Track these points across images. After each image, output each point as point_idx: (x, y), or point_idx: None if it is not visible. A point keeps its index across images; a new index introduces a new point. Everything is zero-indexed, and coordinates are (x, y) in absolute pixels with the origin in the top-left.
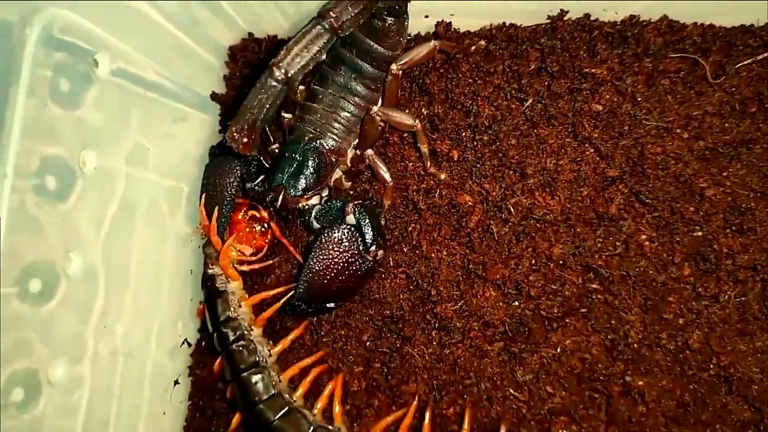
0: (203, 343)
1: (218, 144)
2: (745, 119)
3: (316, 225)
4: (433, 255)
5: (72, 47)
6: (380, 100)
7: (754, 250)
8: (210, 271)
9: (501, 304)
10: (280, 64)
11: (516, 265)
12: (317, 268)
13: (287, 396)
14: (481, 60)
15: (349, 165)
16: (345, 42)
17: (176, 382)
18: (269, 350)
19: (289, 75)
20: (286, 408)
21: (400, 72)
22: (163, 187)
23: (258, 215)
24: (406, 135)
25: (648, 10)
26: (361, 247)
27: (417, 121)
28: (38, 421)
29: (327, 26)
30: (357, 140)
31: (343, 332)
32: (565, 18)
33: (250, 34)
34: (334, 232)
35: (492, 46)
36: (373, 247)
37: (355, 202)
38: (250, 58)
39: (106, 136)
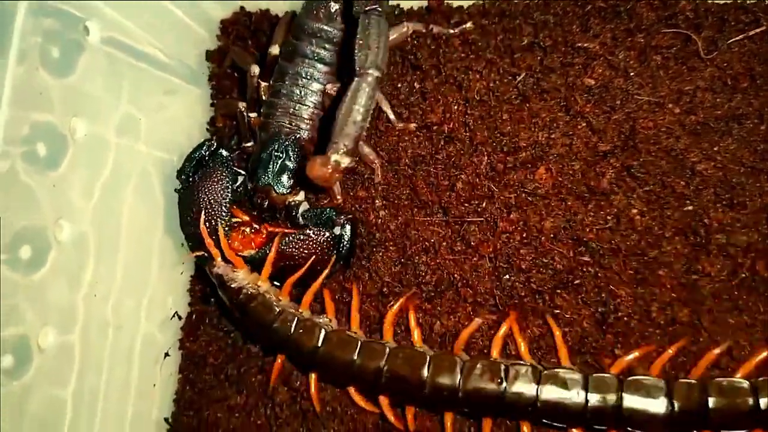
0: (194, 317)
1: (184, 167)
2: (737, 94)
3: (302, 222)
4: (424, 229)
5: (62, 14)
6: None
7: (744, 225)
8: (220, 272)
9: (492, 277)
10: (370, 65)
11: (507, 238)
12: (286, 249)
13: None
14: (474, 35)
15: None
16: (299, 32)
17: (166, 355)
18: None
19: (384, 70)
20: (308, 321)
21: None
22: (154, 158)
23: (241, 220)
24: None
25: None
26: (332, 255)
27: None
28: (28, 388)
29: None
30: None
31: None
32: None
33: (242, 8)
34: (320, 236)
35: (485, 20)
36: (341, 262)
37: (348, 217)
38: (242, 32)
39: (97, 105)
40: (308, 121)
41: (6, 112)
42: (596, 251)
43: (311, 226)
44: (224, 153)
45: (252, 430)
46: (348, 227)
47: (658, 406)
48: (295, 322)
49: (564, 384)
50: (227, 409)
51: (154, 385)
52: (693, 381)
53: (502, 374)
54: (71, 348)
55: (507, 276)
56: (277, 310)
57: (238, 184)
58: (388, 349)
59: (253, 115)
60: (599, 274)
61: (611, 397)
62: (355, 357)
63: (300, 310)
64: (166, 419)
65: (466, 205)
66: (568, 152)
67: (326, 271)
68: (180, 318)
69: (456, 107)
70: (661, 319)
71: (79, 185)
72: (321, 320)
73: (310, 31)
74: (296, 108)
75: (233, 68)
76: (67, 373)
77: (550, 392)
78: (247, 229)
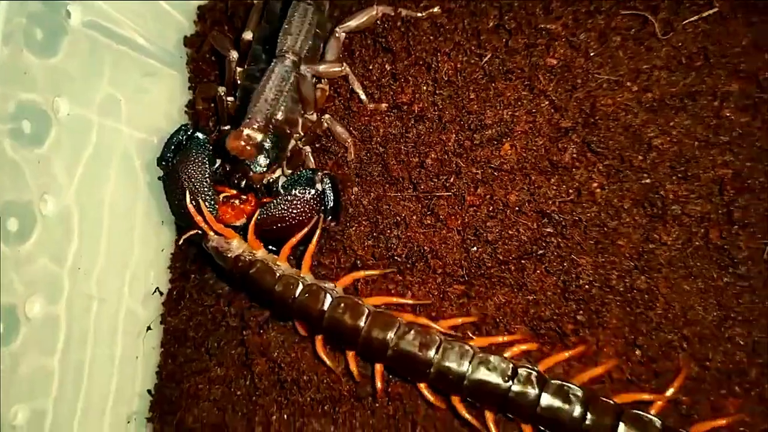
0: (175, 293)
1: (163, 153)
2: (691, 73)
3: (284, 193)
4: (396, 204)
5: None
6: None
7: (698, 196)
8: (215, 245)
9: (460, 248)
10: (288, 49)
11: (475, 212)
12: (275, 212)
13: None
14: (442, 18)
15: (302, 132)
16: (272, 17)
17: (149, 328)
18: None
19: (301, 56)
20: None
21: (343, 34)
22: (135, 139)
23: (229, 194)
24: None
25: None
26: (320, 213)
27: (344, 65)
28: (17, 356)
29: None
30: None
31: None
32: None
33: None
34: (306, 194)
35: (452, 4)
36: (330, 217)
37: (325, 172)
38: (219, 17)
39: (79, 85)
40: (282, 103)
41: None
42: (559, 223)
43: (297, 187)
44: (200, 136)
45: (232, 401)
46: (327, 181)
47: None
48: (299, 287)
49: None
50: (208, 381)
51: (137, 357)
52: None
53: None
54: (57, 319)
55: (475, 248)
56: (278, 274)
57: (216, 166)
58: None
59: (230, 99)
60: (562, 245)
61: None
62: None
63: (302, 275)
64: (149, 391)
65: (435, 180)
66: (531, 129)
67: (318, 232)
68: (161, 293)
69: (425, 88)
70: (620, 286)
71: (63, 162)
72: (327, 284)
73: (282, 15)
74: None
75: (212, 53)
76: (53, 343)
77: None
78: (237, 201)
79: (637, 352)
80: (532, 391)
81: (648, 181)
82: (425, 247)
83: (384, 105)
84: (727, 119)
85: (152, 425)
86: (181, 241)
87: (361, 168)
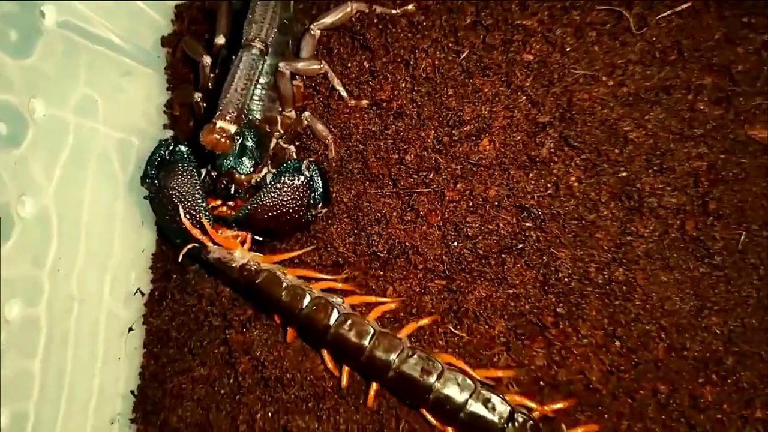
0: (156, 293)
1: (147, 172)
2: (665, 67)
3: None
4: (376, 200)
5: None
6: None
7: (674, 188)
8: (217, 256)
9: (441, 244)
10: (254, 37)
11: (454, 207)
12: (264, 202)
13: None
14: (419, 15)
15: (282, 130)
16: (237, 21)
17: (130, 329)
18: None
19: (267, 43)
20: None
21: (318, 32)
22: (113, 139)
23: (216, 205)
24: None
25: None
26: (310, 201)
27: (323, 62)
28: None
29: None
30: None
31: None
32: None
33: None
34: (295, 181)
35: (429, 1)
36: (320, 204)
37: (310, 160)
38: (196, 16)
39: (55, 86)
40: (258, 102)
41: None
42: (537, 217)
43: (285, 175)
44: (183, 148)
45: (216, 400)
46: (314, 166)
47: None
48: (307, 299)
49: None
50: (191, 381)
51: (119, 358)
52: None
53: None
54: (37, 321)
55: (455, 243)
56: (285, 284)
57: (203, 175)
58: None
59: (205, 104)
60: (541, 239)
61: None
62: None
63: (310, 287)
64: (132, 392)
65: (414, 176)
66: (509, 125)
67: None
68: (143, 294)
69: (404, 84)
70: (599, 278)
71: (41, 163)
72: (335, 299)
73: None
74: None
75: (186, 58)
76: (34, 345)
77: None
78: (224, 209)
79: (617, 343)
80: None
81: (624, 174)
82: (406, 243)
83: (364, 101)
84: (701, 112)
85: (136, 426)
86: (180, 258)
87: (342, 165)
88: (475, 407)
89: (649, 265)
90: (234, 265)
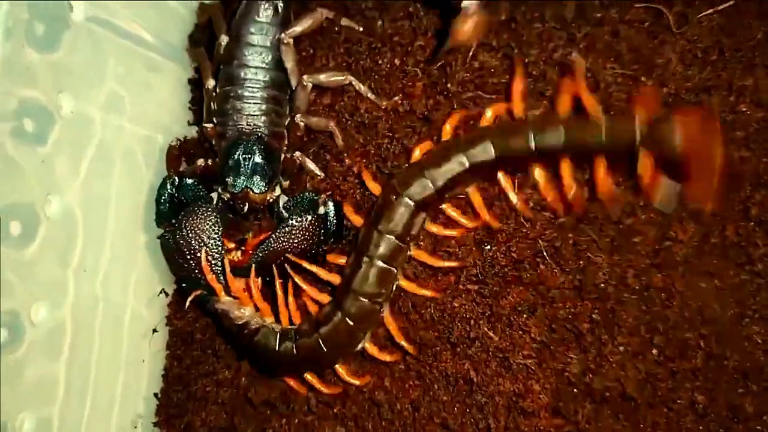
0: (179, 297)
1: (160, 212)
2: (706, 67)
3: (286, 215)
4: None
5: None
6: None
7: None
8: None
9: (473, 248)
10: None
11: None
12: (276, 247)
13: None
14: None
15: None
16: (239, 32)
17: (154, 330)
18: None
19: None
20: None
21: (291, 40)
22: (139, 136)
23: (228, 248)
24: None
25: None
26: (322, 238)
27: (346, 74)
28: (21, 362)
29: None
30: (289, 113)
31: None
32: None
33: None
34: (303, 222)
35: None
36: (331, 240)
37: (327, 194)
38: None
39: (82, 81)
40: (265, 117)
41: None
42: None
43: (294, 216)
44: (189, 181)
45: (240, 403)
46: (330, 204)
47: None
48: (292, 332)
49: None
50: (215, 383)
51: (143, 360)
52: None
53: None
54: (62, 322)
55: (488, 246)
56: (278, 333)
57: (215, 201)
58: None
59: (209, 125)
60: (577, 242)
61: None
62: None
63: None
64: (155, 394)
65: None
66: None
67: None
68: (167, 295)
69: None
70: (636, 284)
71: (67, 161)
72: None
73: (255, 29)
74: (250, 107)
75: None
76: (59, 348)
77: None
78: (239, 254)
79: (654, 351)
80: None
81: None
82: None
83: (396, 99)
84: (743, 114)
85: (159, 429)
86: (187, 305)
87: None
88: None
89: (688, 271)
90: (239, 322)
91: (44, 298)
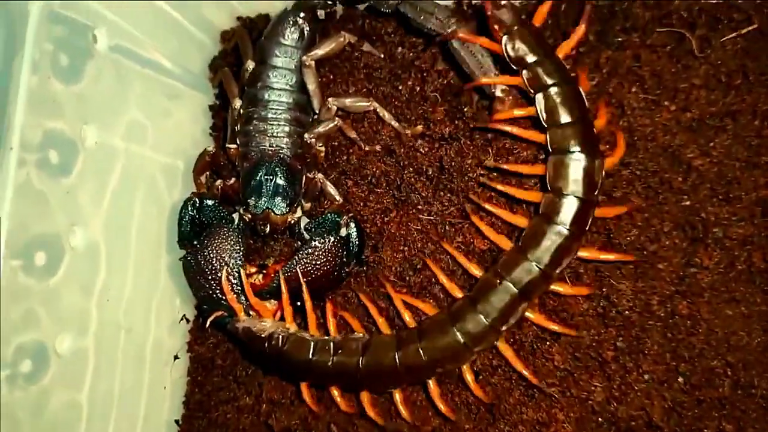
0: (200, 319)
1: (182, 234)
2: (730, 91)
3: (307, 237)
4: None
5: (72, 22)
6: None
7: (740, 218)
8: (247, 326)
9: None
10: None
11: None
12: (298, 270)
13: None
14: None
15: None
16: (264, 55)
17: (176, 357)
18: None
19: None
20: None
21: (313, 63)
22: (160, 164)
23: (250, 272)
24: None
25: None
26: (345, 260)
27: (371, 100)
28: (46, 392)
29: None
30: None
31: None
32: None
33: (240, 18)
34: (326, 243)
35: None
36: (354, 261)
37: (349, 216)
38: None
39: (106, 112)
40: (287, 138)
41: (21, 118)
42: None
43: (316, 237)
44: (209, 203)
45: (261, 430)
46: (353, 225)
47: None
48: (331, 346)
49: None
50: (236, 410)
51: (165, 387)
52: None
53: None
54: (86, 352)
55: None
56: (312, 342)
57: (236, 222)
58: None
59: (232, 146)
60: (600, 269)
61: None
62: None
63: (332, 336)
64: (176, 421)
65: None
66: None
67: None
68: (188, 321)
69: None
70: (661, 311)
71: (90, 191)
72: (354, 335)
73: (279, 51)
74: (273, 129)
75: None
76: (82, 376)
77: None
78: (260, 277)
79: (680, 379)
80: None
81: (688, 203)
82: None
83: (419, 127)
84: None
85: None
86: (207, 325)
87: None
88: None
89: (714, 298)
90: (263, 335)
91: (68, 328)
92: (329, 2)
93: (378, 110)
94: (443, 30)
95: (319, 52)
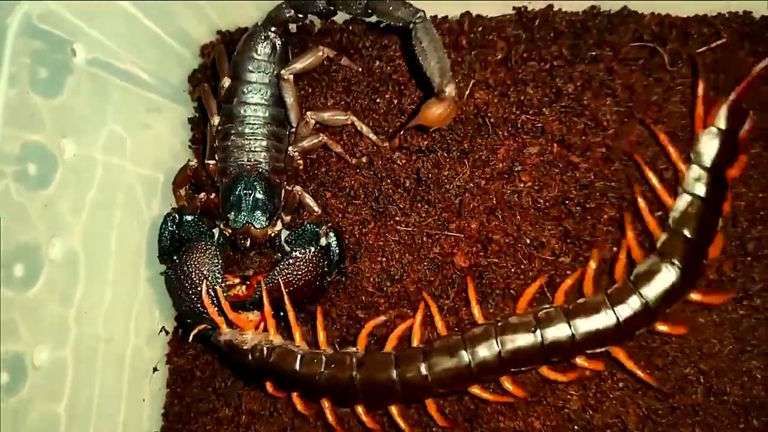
0: (180, 331)
1: (162, 248)
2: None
3: (287, 249)
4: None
5: (50, 36)
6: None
7: None
8: (228, 339)
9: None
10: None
11: (481, 251)
12: (280, 280)
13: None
14: (448, 51)
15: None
16: (238, 70)
17: (155, 369)
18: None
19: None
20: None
21: (291, 76)
22: (140, 176)
23: (233, 283)
24: None
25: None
26: (326, 269)
27: (349, 113)
28: (24, 404)
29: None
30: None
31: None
32: (530, 8)
33: (220, 32)
34: (307, 254)
35: (461, 38)
36: (336, 270)
37: (328, 225)
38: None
39: (84, 124)
40: (265, 153)
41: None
42: (575, 253)
43: (296, 248)
44: (189, 218)
45: None
46: (332, 234)
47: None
48: (324, 361)
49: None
50: (216, 422)
51: (144, 399)
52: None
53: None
54: (64, 363)
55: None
56: (299, 354)
57: (216, 237)
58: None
59: (211, 162)
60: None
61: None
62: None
63: (322, 348)
64: None
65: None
66: (542, 163)
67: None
68: (167, 333)
69: None
70: None
71: (69, 204)
72: (349, 350)
73: (253, 66)
74: (250, 144)
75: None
76: (60, 389)
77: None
78: (243, 288)
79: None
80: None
81: (660, 213)
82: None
83: (397, 141)
84: None
85: None
86: (191, 338)
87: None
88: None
89: (687, 306)
90: (245, 347)
91: (47, 339)
92: (299, 16)
93: (356, 123)
94: (412, 18)
95: (297, 66)
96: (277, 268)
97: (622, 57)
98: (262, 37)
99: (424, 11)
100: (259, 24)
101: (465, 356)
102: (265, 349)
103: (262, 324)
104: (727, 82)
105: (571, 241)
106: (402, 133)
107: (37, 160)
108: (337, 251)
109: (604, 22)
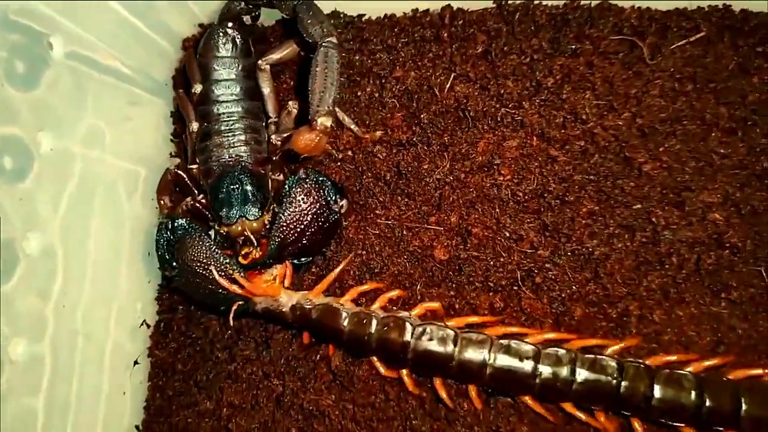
0: (162, 325)
1: (162, 259)
2: (680, 97)
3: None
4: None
5: (26, 29)
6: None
7: (688, 222)
8: (264, 306)
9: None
10: (326, 35)
11: (462, 243)
12: (288, 222)
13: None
14: (430, 44)
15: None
16: (206, 69)
17: (136, 362)
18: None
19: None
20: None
21: (268, 66)
22: (120, 170)
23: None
24: None
25: None
26: (327, 199)
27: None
28: (0, 399)
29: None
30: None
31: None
32: (510, 2)
33: (201, 25)
34: (301, 189)
35: (442, 32)
36: (337, 196)
37: (306, 167)
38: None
39: (62, 118)
40: (245, 146)
41: None
42: (553, 248)
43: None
44: (182, 222)
45: None
46: (311, 170)
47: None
48: (374, 322)
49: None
50: (197, 415)
51: (124, 393)
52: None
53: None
54: (41, 357)
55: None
56: (344, 313)
57: (213, 237)
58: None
59: (194, 166)
60: (555, 271)
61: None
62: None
63: (372, 309)
64: (137, 426)
65: (425, 207)
66: (522, 156)
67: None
68: (149, 326)
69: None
70: (613, 313)
71: (47, 197)
72: (402, 314)
73: (218, 64)
74: (229, 140)
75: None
76: (37, 383)
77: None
78: (257, 251)
79: None
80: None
81: (639, 206)
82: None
83: (378, 133)
84: (717, 143)
85: None
86: (231, 321)
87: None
88: (584, 374)
89: (665, 299)
90: (284, 309)
91: (23, 333)
92: (250, 6)
93: (338, 113)
94: (321, 39)
95: (274, 56)
96: (280, 214)
97: (601, 50)
98: (221, 35)
99: (336, 37)
100: (214, 24)
101: (530, 368)
102: (306, 307)
103: (288, 276)
104: (706, 78)
105: (550, 234)
106: (384, 127)
107: (13, 153)
108: (328, 182)
109: (585, 15)
